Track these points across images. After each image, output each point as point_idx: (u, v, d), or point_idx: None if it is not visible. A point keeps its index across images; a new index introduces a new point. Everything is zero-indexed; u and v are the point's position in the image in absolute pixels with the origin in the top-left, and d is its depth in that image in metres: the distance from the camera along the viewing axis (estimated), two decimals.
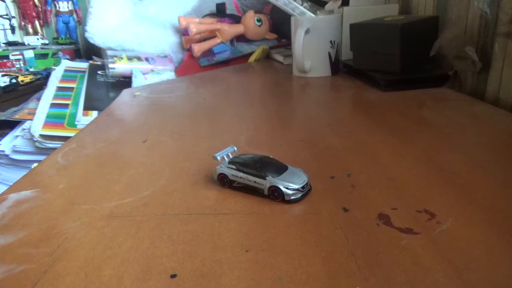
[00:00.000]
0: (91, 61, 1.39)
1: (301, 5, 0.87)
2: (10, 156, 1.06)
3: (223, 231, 0.30)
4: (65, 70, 1.31)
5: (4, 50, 1.61)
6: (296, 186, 0.33)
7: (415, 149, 0.43)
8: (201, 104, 0.68)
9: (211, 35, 1.21)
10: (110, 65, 1.18)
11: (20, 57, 1.56)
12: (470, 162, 0.39)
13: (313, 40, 0.81)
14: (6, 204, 0.36)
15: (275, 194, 0.33)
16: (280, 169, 0.35)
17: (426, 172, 0.38)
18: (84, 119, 1.12)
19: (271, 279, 0.24)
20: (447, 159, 0.40)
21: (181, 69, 1.22)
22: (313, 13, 0.87)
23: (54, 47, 1.76)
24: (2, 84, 1.30)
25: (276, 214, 0.32)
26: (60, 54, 1.69)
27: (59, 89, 1.22)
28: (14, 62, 1.55)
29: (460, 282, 0.23)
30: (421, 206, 0.32)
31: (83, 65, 1.36)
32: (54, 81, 1.25)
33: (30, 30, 1.94)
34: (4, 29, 1.89)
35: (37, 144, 1.05)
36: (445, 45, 0.69)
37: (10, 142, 1.08)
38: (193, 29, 1.18)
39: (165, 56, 1.25)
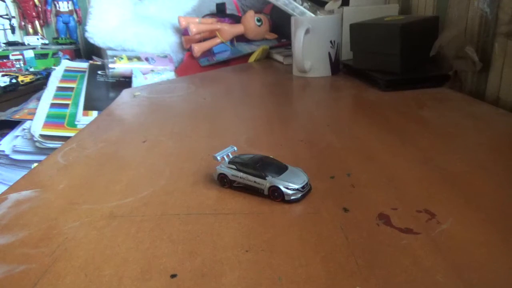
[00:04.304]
0: (91, 61, 1.39)
1: (301, 5, 0.87)
2: (10, 156, 1.06)
3: (223, 231, 0.30)
4: (65, 70, 1.31)
5: (4, 50, 1.61)
6: (296, 186, 0.33)
7: (415, 149, 0.43)
8: (201, 104, 0.68)
9: (211, 35, 1.21)
10: (110, 65, 1.18)
11: (20, 57, 1.56)
12: (470, 162, 0.39)
13: (313, 40, 0.80)
14: (6, 204, 0.36)
15: (275, 194, 0.33)
16: (280, 169, 0.35)
17: (426, 172, 0.38)
18: (84, 119, 1.12)
19: (271, 279, 0.24)
20: (447, 159, 0.40)
21: (181, 69, 1.22)
22: (313, 13, 0.87)
23: (54, 47, 1.76)
24: (2, 84, 1.30)
25: (276, 214, 0.32)
26: (60, 54, 1.69)
27: (59, 89, 1.22)
28: (14, 62, 1.55)
29: (460, 282, 0.23)
30: (421, 206, 0.32)
31: (83, 65, 1.36)
32: (54, 81, 1.25)
33: (30, 30, 1.94)
34: (4, 29, 1.89)
35: (37, 144, 1.04)
36: (445, 45, 0.69)
37: (10, 142, 1.08)
38: (193, 29, 1.18)
39: (165, 56, 1.25)
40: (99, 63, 1.36)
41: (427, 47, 0.71)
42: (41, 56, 1.61)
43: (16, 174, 1.04)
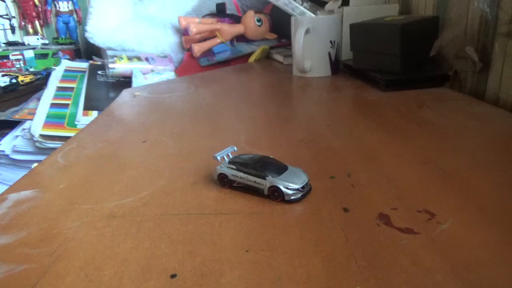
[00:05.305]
0: (91, 61, 1.39)
1: (301, 5, 0.87)
2: (10, 156, 1.06)
3: (223, 231, 0.30)
4: (65, 70, 1.31)
5: (4, 50, 1.61)
6: (296, 186, 0.33)
7: (415, 149, 0.43)
8: (201, 104, 0.68)
9: (211, 35, 1.21)
10: (110, 65, 1.18)
11: (20, 57, 1.56)
12: (470, 162, 0.39)
13: (313, 40, 0.80)
14: (6, 204, 0.36)
15: (275, 194, 0.33)
16: (280, 169, 0.35)
17: (426, 172, 0.38)
18: (84, 119, 1.12)
19: (271, 279, 0.24)
20: (447, 159, 0.40)
21: (181, 69, 1.22)
22: (313, 13, 0.87)
23: (54, 47, 1.76)
24: (2, 84, 1.30)
25: (276, 214, 0.32)
26: (60, 54, 1.69)
27: (59, 89, 1.22)
28: (14, 62, 1.55)
29: (460, 282, 0.23)
30: (421, 206, 0.32)
31: (83, 65, 1.36)
32: (54, 81, 1.25)
33: (30, 30, 1.94)
34: (4, 29, 1.89)
35: (37, 144, 1.05)
36: (445, 45, 0.69)
37: (10, 142, 1.08)
38: (193, 29, 1.18)
39: (165, 56, 1.25)
40: (99, 63, 1.36)
41: (427, 47, 0.71)
42: (41, 56, 1.61)
43: (16, 174, 1.04)
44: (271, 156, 0.37)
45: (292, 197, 0.33)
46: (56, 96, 1.19)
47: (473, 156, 0.41)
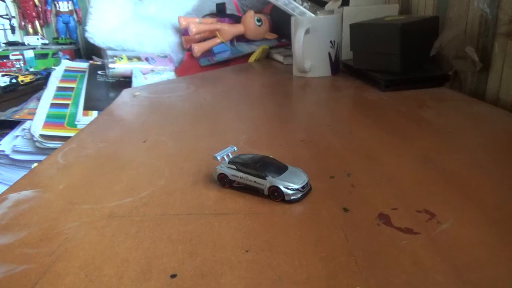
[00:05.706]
0: (91, 61, 1.39)
1: (301, 5, 0.87)
2: (10, 156, 1.06)
3: (223, 231, 0.30)
4: (65, 70, 1.31)
5: (4, 50, 1.61)
6: (296, 186, 0.33)
7: (415, 149, 0.43)
8: (201, 104, 0.68)
9: (211, 35, 1.21)
10: (110, 65, 1.18)
11: (20, 57, 1.56)
12: (470, 162, 0.39)
13: (313, 40, 0.80)
14: (6, 204, 0.36)
15: (275, 194, 0.33)
16: (280, 169, 0.35)
17: (426, 172, 0.38)
18: (84, 119, 1.12)
19: (271, 279, 0.24)
20: (447, 159, 0.40)
21: (181, 69, 1.22)
22: (313, 13, 0.87)
23: (54, 47, 1.76)
24: (2, 84, 1.30)
25: (276, 214, 0.32)
26: (60, 54, 1.69)
27: (59, 89, 1.22)
28: (14, 62, 1.55)
29: (460, 282, 0.23)
30: (421, 206, 0.32)
31: (83, 65, 1.36)
32: (54, 81, 1.25)
33: (30, 30, 1.94)
34: (4, 29, 1.89)
35: (37, 144, 1.05)
36: (445, 45, 0.69)
37: (10, 142, 1.08)
38: (193, 29, 1.18)
39: (165, 56, 1.25)
40: (99, 63, 1.36)
41: (427, 47, 0.71)
42: (41, 56, 1.61)
43: (16, 174, 1.04)
44: (271, 156, 0.37)
45: (292, 197, 0.33)
46: (56, 96, 1.19)
47: (473, 156, 0.41)
